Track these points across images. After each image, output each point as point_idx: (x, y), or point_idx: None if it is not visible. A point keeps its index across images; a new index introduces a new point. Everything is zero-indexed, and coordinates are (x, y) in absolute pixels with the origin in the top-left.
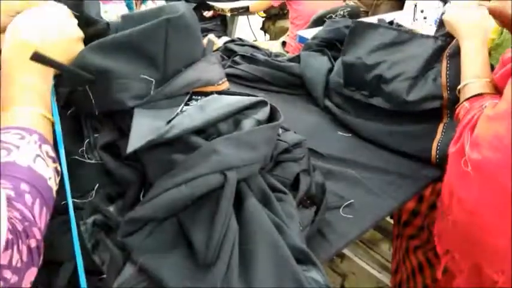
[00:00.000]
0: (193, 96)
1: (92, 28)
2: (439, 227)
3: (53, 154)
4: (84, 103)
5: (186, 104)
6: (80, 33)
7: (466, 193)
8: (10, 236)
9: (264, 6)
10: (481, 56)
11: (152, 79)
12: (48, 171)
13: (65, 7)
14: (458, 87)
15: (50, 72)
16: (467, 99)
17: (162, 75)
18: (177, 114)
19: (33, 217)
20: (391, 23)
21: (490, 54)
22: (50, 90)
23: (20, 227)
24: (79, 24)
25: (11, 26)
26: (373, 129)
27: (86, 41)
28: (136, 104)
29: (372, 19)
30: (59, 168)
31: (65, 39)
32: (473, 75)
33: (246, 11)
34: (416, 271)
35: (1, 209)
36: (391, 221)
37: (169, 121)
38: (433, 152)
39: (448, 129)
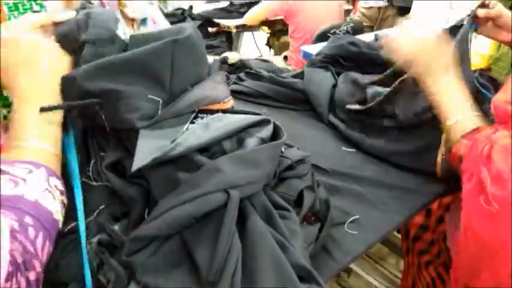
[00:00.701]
0: (199, 114)
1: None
2: (455, 262)
3: (61, 187)
4: (94, 119)
5: (192, 122)
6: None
7: (490, 233)
8: (10, 268)
9: (258, 19)
10: (461, 88)
11: (159, 99)
12: (55, 205)
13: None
14: (448, 123)
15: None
16: (464, 135)
17: (168, 95)
18: (183, 133)
19: (35, 250)
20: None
21: (490, 69)
22: (59, 124)
23: (19, 259)
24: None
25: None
26: (378, 145)
27: None
28: (145, 125)
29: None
30: (65, 200)
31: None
32: (461, 110)
33: (251, 27)
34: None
35: (3, 241)
36: (399, 235)
37: (174, 140)
38: (438, 163)
39: None
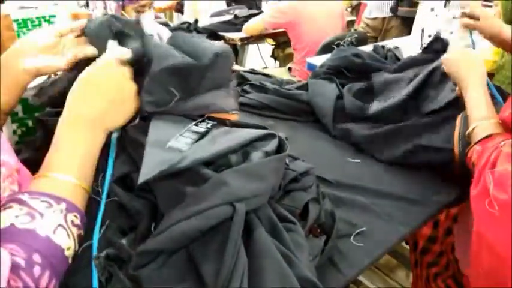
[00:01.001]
0: (206, 120)
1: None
2: (471, 275)
3: (78, 222)
4: None
5: (196, 125)
6: (133, 88)
7: (493, 235)
8: None
9: (257, 29)
10: (485, 97)
11: (177, 94)
12: (67, 241)
13: (121, 67)
14: (467, 131)
15: (101, 137)
16: (478, 142)
17: (187, 95)
18: (185, 132)
19: None
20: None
21: (493, 76)
22: (96, 154)
23: None
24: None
25: (69, 95)
26: (388, 152)
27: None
28: (151, 109)
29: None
30: (82, 233)
31: (119, 99)
32: (480, 117)
33: (255, 40)
34: None
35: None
36: (407, 247)
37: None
38: (455, 143)
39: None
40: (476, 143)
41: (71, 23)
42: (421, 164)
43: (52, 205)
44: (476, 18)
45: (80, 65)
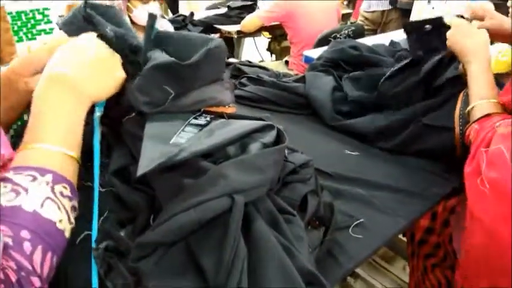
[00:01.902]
0: (204, 114)
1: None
2: (461, 255)
3: (68, 193)
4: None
5: (195, 118)
6: (117, 57)
7: (483, 212)
8: (2, 287)
9: (254, 25)
10: (486, 77)
11: (172, 92)
12: (58, 214)
13: (94, 36)
14: (467, 109)
15: (84, 105)
16: (476, 120)
17: (183, 91)
18: (185, 126)
19: (32, 266)
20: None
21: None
22: (80, 125)
23: (13, 278)
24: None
25: (48, 62)
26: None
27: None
28: (149, 110)
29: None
30: (75, 203)
31: (101, 66)
32: (480, 96)
33: (252, 33)
34: None
35: None
36: (404, 239)
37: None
38: (456, 121)
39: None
40: (475, 121)
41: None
42: (423, 150)
43: (37, 178)
44: (481, 19)
45: None
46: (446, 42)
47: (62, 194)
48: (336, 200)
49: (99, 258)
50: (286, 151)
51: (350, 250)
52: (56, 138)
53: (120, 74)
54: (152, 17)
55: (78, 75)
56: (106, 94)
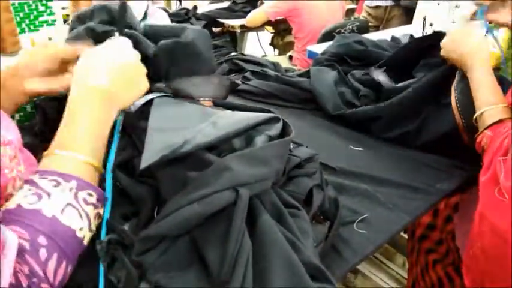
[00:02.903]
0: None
1: None
2: (467, 258)
3: (93, 200)
4: None
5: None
6: (144, 68)
7: (501, 220)
8: None
9: (259, 20)
10: (490, 81)
11: None
12: (79, 222)
13: (127, 40)
14: (474, 116)
15: (114, 114)
16: (488, 127)
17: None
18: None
19: (45, 273)
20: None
21: (499, 69)
22: (107, 133)
23: (24, 283)
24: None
25: (77, 69)
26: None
27: None
28: None
29: (383, 33)
30: (101, 211)
31: (134, 77)
32: (488, 102)
33: (255, 27)
34: (436, 287)
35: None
36: (405, 236)
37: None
38: (455, 111)
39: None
40: (487, 128)
41: (77, 48)
42: (428, 140)
43: (60, 183)
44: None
45: None
46: (441, 52)
47: (85, 201)
48: (340, 195)
49: (102, 252)
50: (291, 145)
51: (354, 245)
52: (85, 148)
53: (145, 83)
54: (123, 6)
55: (113, 87)
56: (132, 102)
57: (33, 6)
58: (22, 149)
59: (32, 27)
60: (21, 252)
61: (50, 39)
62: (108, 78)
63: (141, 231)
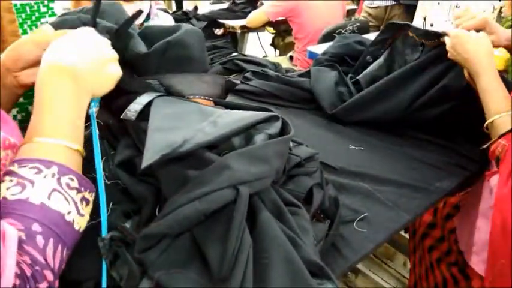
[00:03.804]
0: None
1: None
2: (490, 275)
3: (76, 185)
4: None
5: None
6: (115, 54)
7: None
8: (18, 282)
9: (260, 20)
10: (498, 87)
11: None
12: (66, 206)
13: (92, 29)
14: (485, 124)
15: (85, 98)
16: (502, 135)
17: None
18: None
19: (45, 259)
20: None
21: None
22: (82, 117)
23: (28, 272)
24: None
25: (45, 53)
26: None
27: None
28: None
29: None
30: (87, 195)
31: (101, 60)
32: (497, 110)
33: (255, 28)
34: (440, 287)
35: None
36: (406, 235)
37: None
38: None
39: None
40: (501, 136)
41: (56, 32)
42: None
43: (42, 170)
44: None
45: None
46: (448, 54)
47: (68, 185)
48: (340, 194)
49: (104, 249)
50: (291, 144)
51: (354, 244)
52: (59, 131)
53: (117, 71)
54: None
55: (80, 66)
56: (104, 90)
57: (35, 8)
58: None
59: (33, 28)
60: (19, 242)
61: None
62: (73, 58)
63: (143, 229)
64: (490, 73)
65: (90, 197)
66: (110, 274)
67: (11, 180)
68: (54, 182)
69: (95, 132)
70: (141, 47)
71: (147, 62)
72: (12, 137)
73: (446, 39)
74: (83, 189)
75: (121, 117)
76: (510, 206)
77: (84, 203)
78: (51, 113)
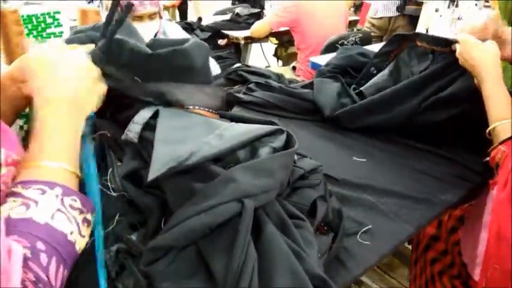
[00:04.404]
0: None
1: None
2: (483, 280)
3: (79, 205)
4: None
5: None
6: (98, 71)
7: None
8: None
9: (263, 31)
10: (502, 95)
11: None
12: (68, 226)
13: (80, 49)
14: (488, 130)
15: (80, 121)
16: (502, 142)
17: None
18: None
19: (48, 278)
20: None
21: None
22: (78, 138)
23: None
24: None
25: (37, 80)
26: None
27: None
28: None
29: None
30: (88, 217)
31: (89, 81)
32: (499, 117)
33: (259, 38)
34: None
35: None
36: (409, 246)
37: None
38: None
39: None
40: (501, 143)
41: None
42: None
43: (46, 191)
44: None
45: None
46: (459, 61)
47: (72, 206)
48: (343, 206)
49: (110, 261)
50: (295, 156)
51: (358, 256)
52: (59, 155)
53: (102, 86)
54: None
55: (74, 93)
56: (97, 104)
57: (41, 19)
58: None
59: (39, 38)
60: (24, 259)
61: None
62: (69, 87)
63: (149, 242)
64: (494, 80)
65: (92, 218)
66: (114, 286)
67: (15, 201)
68: (58, 203)
69: (88, 148)
70: (145, 48)
71: (150, 64)
72: (14, 152)
73: (457, 46)
74: (85, 210)
75: (122, 137)
76: (505, 212)
77: (85, 224)
78: (51, 140)
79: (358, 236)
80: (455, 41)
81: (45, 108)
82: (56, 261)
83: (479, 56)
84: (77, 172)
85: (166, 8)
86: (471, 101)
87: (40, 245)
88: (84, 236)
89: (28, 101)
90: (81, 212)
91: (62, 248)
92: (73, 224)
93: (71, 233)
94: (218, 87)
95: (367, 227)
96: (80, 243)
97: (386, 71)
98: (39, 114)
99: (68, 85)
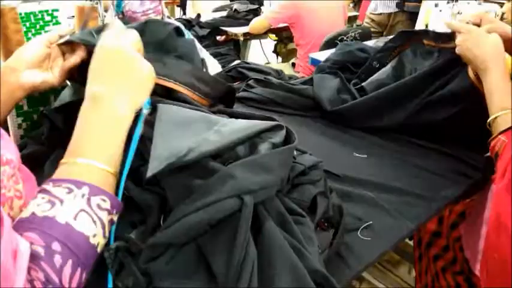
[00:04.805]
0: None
1: None
2: (483, 271)
3: (108, 206)
4: None
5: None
6: (138, 53)
7: None
8: None
9: (262, 27)
10: (507, 84)
11: None
12: (91, 228)
13: (131, 36)
14: (488, 120)
15: (125, 122)
16: (502, 132)
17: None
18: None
19: (60, 280)
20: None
21: None
22: (121, 141)
23: None
24: None
25: (88, 81)
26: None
27: None
28: None
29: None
30: (114, 218)
31: (139, 74)
32: (502, 107)
33: (258, 34)
34: None
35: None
36: (410, 243)
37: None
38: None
39: None
40: (501, 133)
41: (58, 30)
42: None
43: (73, 190)
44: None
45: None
46: (456, 50)
47: (99, 206)
48: (344, 202)
49: (110, 259)
50: (295, 152)
51: (359, 252)
52: (98, 154)
53: (149, 69)
54: None
55: (120, 90)
56: (148, 92)
57: (40, 16)
58: (21, 168)
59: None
60: (36, 258)
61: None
62: (110, 84)
63: (148, 239)
64: (498, 70)
65: (116, 218)
66: (115, 284)
67: (43, 198)
68: (83, 203)
69: (134, 145)
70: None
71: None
72: (8, 152)
73: (458, 35)
74: (114, 211)
75: None
76: (504, 201)
77: (110, 224)
78: (91, 137)
79: (358, 232)
80: (458, 31)
81: (91, 105)
82: (72, 264)
83: (484, 45)
84: (114, 171)
85: (166, 4)
86: (471, 98)
87: (56, 246)
88: (106, 237)
89: (27, 92)
90: (110, 213)
91: (81, 251)
92: (97, 226)
93: (94, 235)
94: (201, 68)
95: (367, 223)
96: (102, 245)
97: (388, 67)
98: (84, 112)
99: (116, 82)
